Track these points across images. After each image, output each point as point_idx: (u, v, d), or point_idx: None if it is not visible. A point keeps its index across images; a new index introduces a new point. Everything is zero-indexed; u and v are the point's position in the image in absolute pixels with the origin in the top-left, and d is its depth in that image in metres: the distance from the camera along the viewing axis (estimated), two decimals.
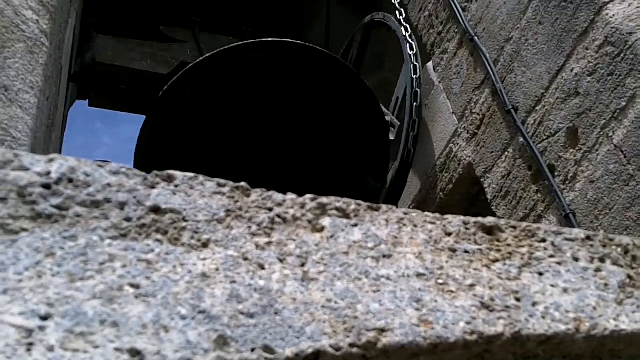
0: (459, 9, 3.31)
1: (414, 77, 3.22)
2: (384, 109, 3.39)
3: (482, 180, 3.11)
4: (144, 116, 3.49)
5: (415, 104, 3.17)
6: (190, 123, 2.76)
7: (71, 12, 2.45)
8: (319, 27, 4.89)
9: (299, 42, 2.90)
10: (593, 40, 2.55)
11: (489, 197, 3.05)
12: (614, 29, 2.45)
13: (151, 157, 2.65)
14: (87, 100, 3.42)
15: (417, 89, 3.20)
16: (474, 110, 3.21)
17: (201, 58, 2.77)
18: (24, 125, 1.31)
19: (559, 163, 2.66)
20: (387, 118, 3.31)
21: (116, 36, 3.48)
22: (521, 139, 2.84)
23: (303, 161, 3.07)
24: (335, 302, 0.73)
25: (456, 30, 3.39)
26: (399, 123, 3.28)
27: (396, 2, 3.73)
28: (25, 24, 1.42)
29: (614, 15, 2.48)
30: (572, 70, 2.64)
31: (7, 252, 0.67)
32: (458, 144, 3.32)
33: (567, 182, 2.60)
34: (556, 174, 2.66)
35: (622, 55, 2.42)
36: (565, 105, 2.65)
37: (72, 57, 2.94)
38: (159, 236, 0.74)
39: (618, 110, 2.42)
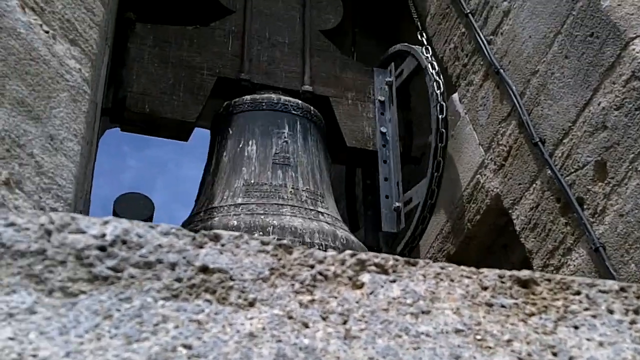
0: (485, 42, 3.35)
1: (440, 116, 3.23)
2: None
3: (510, 211, 3.12)
4: (172, 140, 3.58)
5: (440, 144, 3.19)
6: None
7: (106, 49, 2.52)
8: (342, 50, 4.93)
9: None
10: (620, 74, 2.56)
11: (517, 228, 3.06)
12: None
13: None
14: (118, 127, 3.48)
15: (443, 130, 3.21)
16: (500, 142, 3.23)
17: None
18: (68, 173, 1.36)
19: (587, 196, 2.67)
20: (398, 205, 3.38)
21: (155, 23, 3.48)
22: (549, 172, 2.85)
23: None
24: None
25: (482, 63, 3.42)
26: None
27: (424, 39, 3.76)
28: (69, 73, 1.48)
29: None
30: (599, 104, 2.65)
31: (68, 315, 0.71)
32: (485, 175, 3.33)
33: (596, 215, 2.61)
34: (585, 206, 2.67)
35: None
36: (592, 138, 2.66)
37: (105, 88, 3.01)
38: (208, 296, 0.77)
39: None
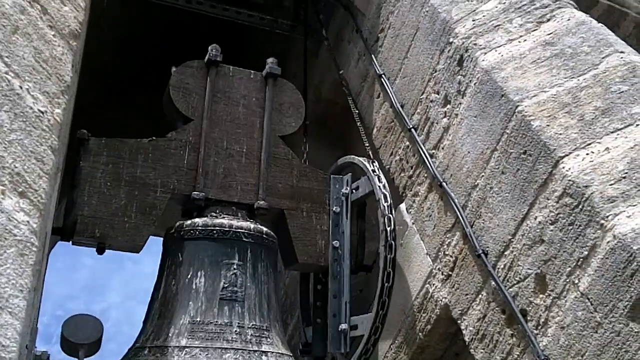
0: (427, 155, 3.50)
1: (389, 229, 3.33)
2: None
3: (459, 322, 3.19)
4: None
5: (389, 255, 3.27)
6: None
7: (60, 163, 2.51)
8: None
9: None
10: (553, 191, 2.71)
11: (466, 339, 3.12)
12: (570, 181, 2.62)
13: None
14: (70, 241, 3.44)
15: (392, 241, 3.30)
16: (446, 252, 3.33)
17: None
18: (13, 332, 1.38)
19: (530, 308, 2.75)
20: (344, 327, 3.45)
21: (109, 135, 3.45)
22: (493, 283, 2.95)
23: None
24: None
25: (425, 175, 3.57)
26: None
27: (369, 150, 3.90)
28: (17, 228, 1.52)
29: (569, 168, 2.66)
30: (535, 219, 2.78)
31: None
32: (434, 284, 3.41)
33: (539, 327, 2.69)
34: (528, 318, 2.75)
35: (580, 206, 2.57)
36: (531, 251, 2.78)
37: (56, 205, 3.01)
38: None
39: (581, 259, 2.54)
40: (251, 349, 3.06)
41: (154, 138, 3.57)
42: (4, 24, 1.86)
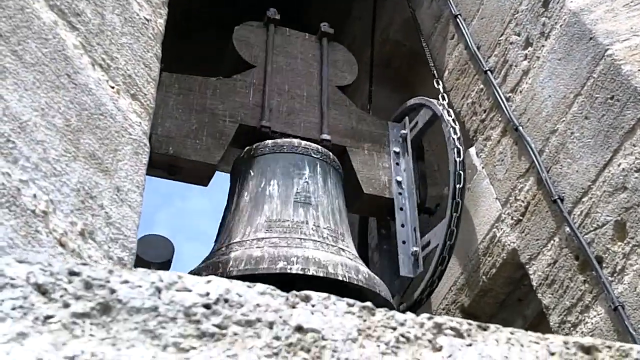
0: (503, 99, 3.44)
1: (458, 159, 3.34)
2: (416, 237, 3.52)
3: (527, 266, 3.17)
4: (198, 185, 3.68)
5: (458, 185, 3.27)
6: None
7: None
8: (359, 101, 5.07)
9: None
10: None
11: (534, 284, 3.11)
12: None
13: None
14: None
15: (461, 172, 3.31)
16: (518, 197, 3.30)
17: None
18: (132, 224, 1.42)
19: (606, 255, 2.72)
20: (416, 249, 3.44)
21: (182, 71, 3.61)
22: (567, 229, 2.92)
23: None
24: None
25: (500, 119, 3.51)
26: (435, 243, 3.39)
27: (440, 87, 3.87)
28: (132, 127, 1.55)
29: None
30: (619, 165, 2.72)
31: None
32: (502, 229, 3.39)
33: (615, 275, 2.66)
34: (604, 265, 2.72)
35: None
36: (612, 198, 2.73)
37: None
38: (304, 354, 0.82)
39: None
40: (329, 242, 3.11)
41: (220, 77, 3.73)
42: None
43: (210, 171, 3.52)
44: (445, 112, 3.61)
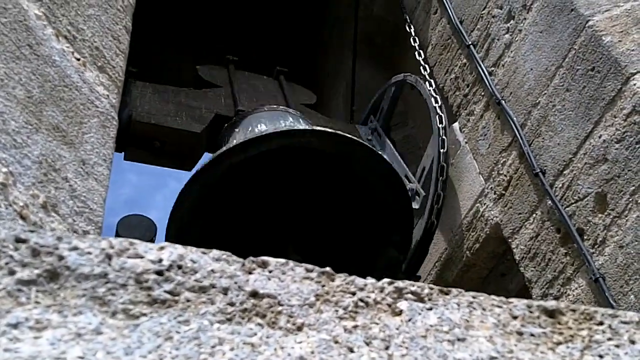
0: (486, 73, 3.42)
1: (442, 150, 3.33)
2: (410, 176, 3.50)
3: (509, 240, 3.17)
4: (176, 170, 3.68)
5: (441, 178, 3.27)
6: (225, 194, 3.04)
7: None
8: (343, 80, 5.06)
9: (339, 133, 3.13)
10: (621, 108, 2.63)
11: (516, 257, 3.11)
12: None
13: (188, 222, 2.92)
14: (123, 154, 3.53)
15: (444, 164, 3.30)
16: (501, 172, 3.29)
17: (240, 142, 3.04)
18: (99, 197, 1.40)
19: (587, 227, 2.72)
20: (412, 186, 3.42)
21: (153, 82, 3.70)
22: (549, 202, 2.91)
23: (328, 232, 3.26)
24: None
25: (482, 94, 3.50)
26: (424, 193, 3.37)
27: (421, 59, 3.86)
28: (99, 100, 1.52)
29: None
30: (600, 137, 2.72)
31: (132, 336, 0.75)
32: (485, 204, 3.38)
33: (596, 246, 2.66)
34: (585, 237, 2.72)
35: None
36: (593, 170, 2.73)
37: None
38: (259, 320, 0.81)
39: None
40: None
41: (191, 89, 3.84)
42: None
43: (195, 144, 3.52)
44: (432, 99, 3.58)
